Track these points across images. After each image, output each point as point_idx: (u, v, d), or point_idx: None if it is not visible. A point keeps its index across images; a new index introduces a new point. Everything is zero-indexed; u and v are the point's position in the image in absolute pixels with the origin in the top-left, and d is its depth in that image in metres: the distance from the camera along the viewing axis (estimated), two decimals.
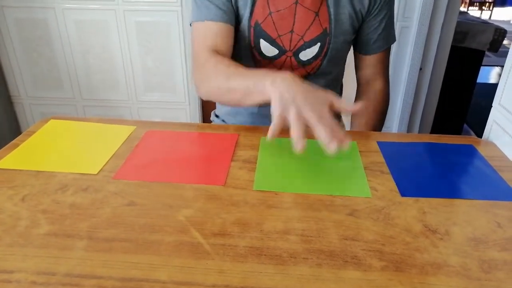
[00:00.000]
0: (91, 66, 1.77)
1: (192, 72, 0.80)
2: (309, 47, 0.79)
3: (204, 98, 0.75)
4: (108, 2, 1.63)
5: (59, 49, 1.74)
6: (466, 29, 2.01)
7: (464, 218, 0.51)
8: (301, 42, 0.78)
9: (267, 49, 0.79)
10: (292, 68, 0.81)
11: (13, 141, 0.67)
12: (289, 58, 0.80)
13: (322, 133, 0.53)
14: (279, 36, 0.78)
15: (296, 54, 0.80)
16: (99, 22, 1.67)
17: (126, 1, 1.62)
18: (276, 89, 0.57)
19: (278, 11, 0.76)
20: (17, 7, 1.66)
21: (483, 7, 6.97)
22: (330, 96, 0.59)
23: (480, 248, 0.46)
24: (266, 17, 0.76)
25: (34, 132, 0.71)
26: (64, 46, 1.73)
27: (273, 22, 0.76)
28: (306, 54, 0.80)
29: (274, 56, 0.80)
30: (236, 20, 0.78)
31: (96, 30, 1.69)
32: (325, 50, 0.79)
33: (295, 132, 0.54)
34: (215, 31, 0.75)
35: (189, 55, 1.71)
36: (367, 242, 0.46)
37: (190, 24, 0.80)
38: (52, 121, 0.75)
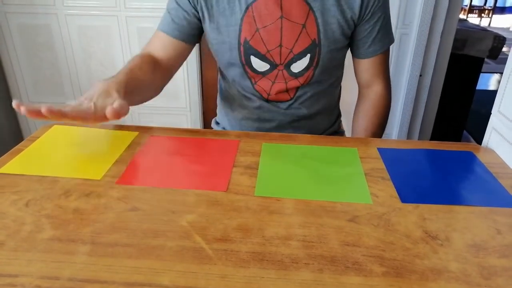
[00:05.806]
0: (93, 71, 1.78)
1: None
2: (299, 59, 0.79)
3: None
4: (111, 8, 1.64)
5: (61, 55, 1.75)
6: (465, 36, 2.03)
7: (464, 224, 0.51)
8: (291, 55, 0.78)
9: (258, 64, 0.80)
10: (285, 80, 0.82)
11: (17, 147, 0.68)
12: (280, 71, 0.80)
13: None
14: (268, 51, 0.78)
15: (287, 66, 0.80)
16: (101, 28, 1.69)
17: (128, 7, 1.64)
18: None
19: (264, 27, 0.76)
20: (20, 13, 1.68)
21: (482, 15, 7.02)
22: None
23: (480, 254, 0.46)
24: (254, 34, 0.76)
25: (37, 137, 0.71)
26: (66, 51, 1.74)
27: (261, 38, 0.77)
28: (297, 66, 0.80)
29: (266, 70, 0.81)
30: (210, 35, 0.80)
31: (98, 35, 1.70)
32: (315, 60, 0.79)
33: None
34: (161, 40, 0.82)
35: (190, 62, 1.73)
36: (368, 248, 0.47)
37: None
38: (55, 127, 0.75)
